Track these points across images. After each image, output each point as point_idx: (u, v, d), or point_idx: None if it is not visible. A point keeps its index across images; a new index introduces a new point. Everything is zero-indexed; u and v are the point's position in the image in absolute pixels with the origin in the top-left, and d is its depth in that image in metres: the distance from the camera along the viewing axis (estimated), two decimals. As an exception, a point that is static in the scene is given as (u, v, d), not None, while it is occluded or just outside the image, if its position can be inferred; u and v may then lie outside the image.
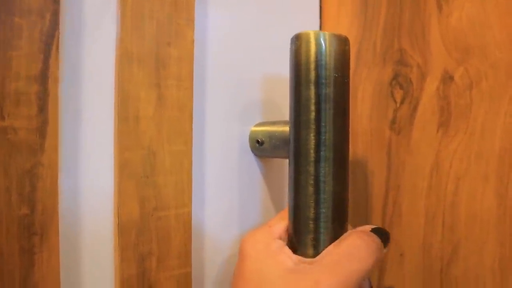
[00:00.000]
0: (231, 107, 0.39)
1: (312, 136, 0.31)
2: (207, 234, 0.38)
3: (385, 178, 0.38)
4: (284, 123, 0.36)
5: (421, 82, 0.36)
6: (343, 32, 0.38)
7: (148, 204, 0.33)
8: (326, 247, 0.30)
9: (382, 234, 0.31)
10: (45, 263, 0.28)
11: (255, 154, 0.40)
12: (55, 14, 0.28)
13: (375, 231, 0.31)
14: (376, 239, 0.30)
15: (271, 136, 0.37)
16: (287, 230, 0.33)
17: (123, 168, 0.31)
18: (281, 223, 0.33)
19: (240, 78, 0.40)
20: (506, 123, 0.31)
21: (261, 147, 0.38)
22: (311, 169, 0.31)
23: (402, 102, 0.37)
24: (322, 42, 0.31)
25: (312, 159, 0.31)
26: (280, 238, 0.32)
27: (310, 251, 0.31)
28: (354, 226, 0.33)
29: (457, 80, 0.33)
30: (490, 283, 0.31)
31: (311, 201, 0.31)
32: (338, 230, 0.31)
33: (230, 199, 0.40)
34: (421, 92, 0.36)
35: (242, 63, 0.40)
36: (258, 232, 0.32)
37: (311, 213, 0.31)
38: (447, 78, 0.34)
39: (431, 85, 0.35)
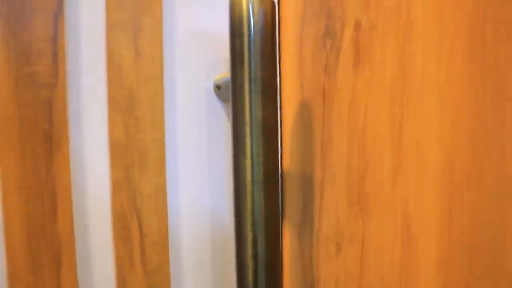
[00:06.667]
0: (200, 62, 0.51)
1: (245, 72, 0.41)
2: (180, 156, 0.50)
3: (322, 114, 0.47)
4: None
5: (341, 31, 0.44)
6: (293, 2, 0.47)
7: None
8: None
9: None
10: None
11: (218, 97, 0.51)
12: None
13: None
14: None
15: (226, 82, 0.47)
16: None
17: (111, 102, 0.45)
18: None
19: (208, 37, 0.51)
20: (394, 55, 0.38)
21: (219, 90, 0.49)
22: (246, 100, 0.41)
23: (330, 50, 0.45)
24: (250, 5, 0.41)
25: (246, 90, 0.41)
26: None
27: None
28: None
29: (364, 26, 0.41)
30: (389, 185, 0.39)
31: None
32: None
33: (199, 130, 0.51)
34: (342, 39, 0.44)
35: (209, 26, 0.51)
36: None
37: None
38: (357, 25, 0.42)
39: (348, 32, 0.43)
